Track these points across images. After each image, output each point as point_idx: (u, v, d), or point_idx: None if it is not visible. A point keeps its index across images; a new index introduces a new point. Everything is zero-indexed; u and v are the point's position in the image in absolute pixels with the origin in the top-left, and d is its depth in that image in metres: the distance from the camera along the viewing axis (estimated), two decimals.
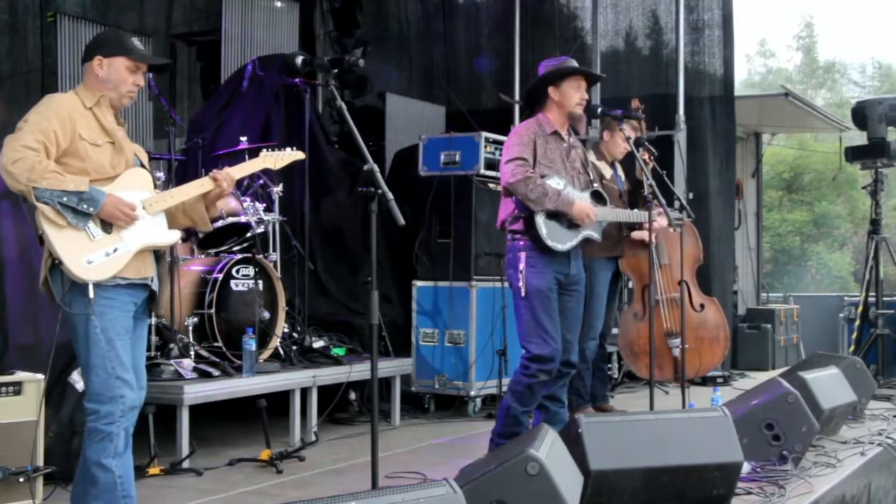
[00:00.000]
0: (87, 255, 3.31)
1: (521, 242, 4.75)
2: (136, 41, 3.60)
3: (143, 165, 3.63)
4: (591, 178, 5.04)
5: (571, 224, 4.76)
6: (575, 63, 4.92)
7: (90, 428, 3.36)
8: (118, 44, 3.54)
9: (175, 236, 3.66)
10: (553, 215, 4.71)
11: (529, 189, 4.65)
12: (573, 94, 4.84)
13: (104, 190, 3.38)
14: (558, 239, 4.73)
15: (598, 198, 4.92)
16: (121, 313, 3.41)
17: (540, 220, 4.68)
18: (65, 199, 3.27)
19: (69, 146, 3.37)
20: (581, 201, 4.79)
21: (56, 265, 3.32)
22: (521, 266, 4.71)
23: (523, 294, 4.71)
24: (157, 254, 3.63)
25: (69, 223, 3.29)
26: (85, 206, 3.31)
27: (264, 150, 3.96)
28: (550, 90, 4.83)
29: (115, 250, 3.38)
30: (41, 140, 3.29)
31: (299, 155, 4.02)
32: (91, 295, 3.30)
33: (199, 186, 3.64)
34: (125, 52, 3.52)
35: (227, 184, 3.64)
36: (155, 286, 3.58)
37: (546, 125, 4.85)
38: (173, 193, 3.62)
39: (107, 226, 3.38)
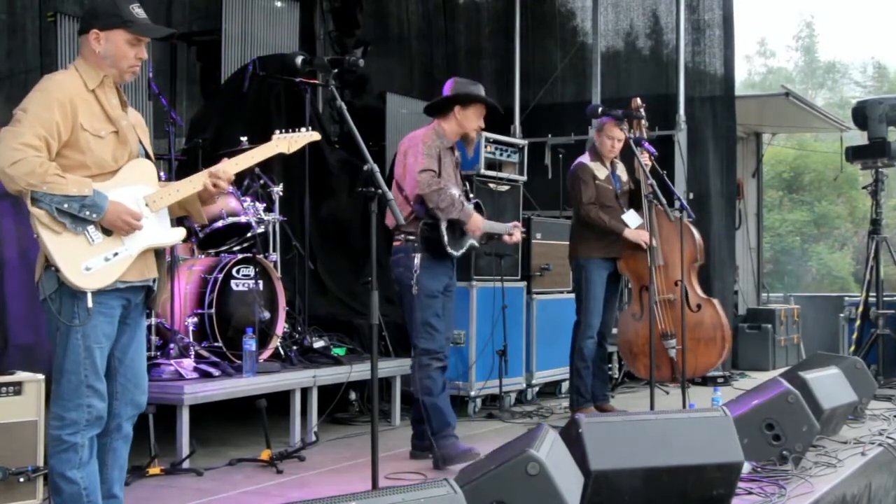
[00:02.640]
0: (85, 260, 3.14)
1: (417, 244, 5.05)
2: (136, 8, 3.30)
3: (147, 154, 3.41)
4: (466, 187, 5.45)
5: (462, 233, 5.15)
6: (482, 91, 5.27)
7: (53, 436, 3.22)
8: (116, 14, 3.24)
9: (179, 235, 3.50)
10: (450, 225, 5.06)
11: (441, 199, 5.00)
12: (474, 120, 5.23)
13: (107, 186, 3.20)
14: (454, 246, 5.12)
15: (479, 209, 5.35)
16: (105, 319, 3.23)
17: (444, 228, 5.03)
18: (65, 205, 3.08)
19: (70, 137, 3.15)
20: (476, 214, 5.21)
21: (51, 267, 3.15)
22: (416, 267, 5.02)
23: (415, 292, 5.02)
24: (158, 251, 3.44)
25: (67, 228, 3.11)
26: (87, 213, 3.12)
27: (277, 132, 3.67)
28: (457, 109, 5.17)
29: (116, 254, 3.20)
30: (43, 136, 3.07)
31: (315, 136, 3.72)
32: (89, 304, 3.14)
33: (196, 183, 3.42)
34: (124, 25, 3.24)
35: (225, 182, 3.43)
36: (155, 286, 3.41)
37: (445, 138, 5.18)
38: (178, 188, 3.41)
39: (107, 228, 3.21)
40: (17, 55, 6.75)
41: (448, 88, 5.24)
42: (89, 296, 3.15)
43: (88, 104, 3.23)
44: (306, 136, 3.67)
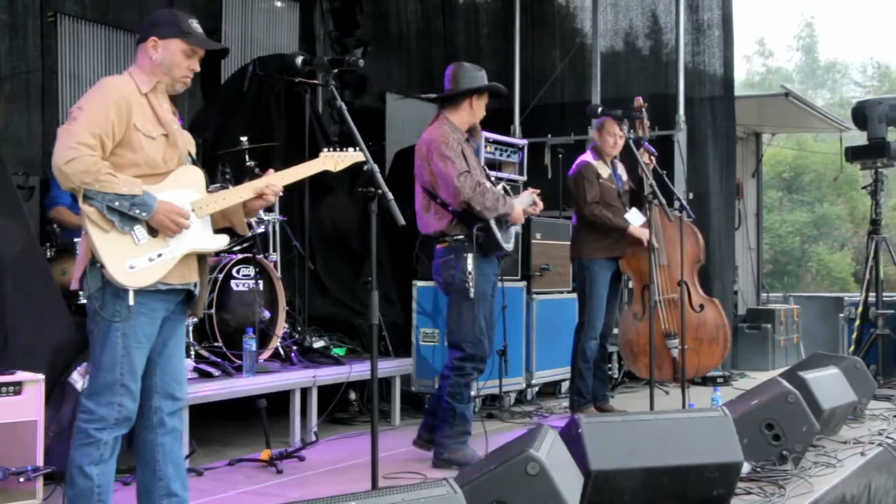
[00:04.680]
0: (130, 259, 3.20)
1: (466, 244, 4.94)
2: (193, 23, 3.44)
3: (193, 161, 3.51)
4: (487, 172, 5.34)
5: (506, 225, 5.05)
6: (486, 76, 5.19)
7: (80, 428, 3.26)
8: (175, 25, 3.39)
9: (223, 241, 3.52)
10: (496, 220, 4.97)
11: (486, 198, 4.90)
12: (483, 108, 5.17)
13: (156, 188, 3.28)
14: (506, 240, 5.05)
15: (506, 192, 5.22)
16: (147, 320, 3.29)
17: (495, 227, 4.94)
18: (116, 203, 3.16)
19: (123, 137, 3.24)
20: (516, 203, 5.12)
21: (96, 264, 3.21)
22: (470, 268, 4.90)
23: (471, 295, 4.89)
24: (200, 257, 3.49)
25: (115, 227, 3.18)
26: (137, 212, 3.19)
27: (325, 150, 3.70)
28: (474, 98, 5.09)
29: (160, 255, 3.26)
30: (98, 135, 3.16)
31: (360, 156, 3.73)
32: (131, 302, 3.20)
33: (243, 193, 3.50)
34: (182, 35, 3.37)
35: (272, 196, 3.52)
36: (196, 290, 3.46)
37: (458, 131, 5.06)
38: (225, 196, 3.47)
39: (153, 229, 3.26)
40: (17, 55, 6.75)
41: (454, 77, 5.09)
42: (131, 294, 3.21)
43: (141, 106, 3.32)
44: (353, 156, 3.71)
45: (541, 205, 5.43)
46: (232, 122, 7.28)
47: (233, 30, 8.20)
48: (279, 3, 8.88)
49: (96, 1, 7.35)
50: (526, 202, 5.33)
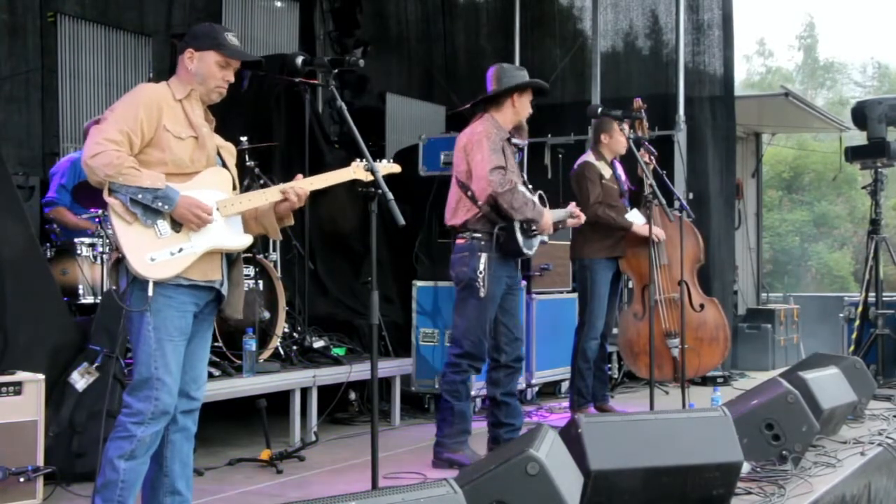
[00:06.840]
0: (150, 252, 3.28)
1: (483, 243, 4.92)
2: (230, 36, 3.56)
3: (224, 165, 3.56)
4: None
5: (532, 230, 5.00)
6: (528, 75, 5.18)
7: (119, 420, 3.35)
8: (211, 38, 3.51)
9: (247, 241, 3.57)
10: (520, 224, 4.93)
11: (515, 198, 4.86)
12: (528, 106, 5.15)
13: (182, 186, 3.35)
14: (528, 246, 5.00)
15: (542, 201, 5.19)
16: (177, 313, 3.36)
17: (517, 229, 4.90)
18: (139, 196, 3.25)
19: (153, 137, 3.35)
20: (547, 212, 5.08)
21: (121, 259, 3.30)
22: (482, 268, 4.88)
23: (481, 295, 4.87)
24: (231, 256, 3.55)
25: (138, 219, 3.27)
26: (159, 204, 3.28)
27: (356, 160, 3.67)
28: (515, 97, 5.07)
29: (181, 250, 3.33)
30: (125, 132, 3.28)
31: (395, 168, 3.80)
32: (150, 293, 3.27)
33: (270, 195, 3.54)
34: (217, 48, 3.49)
35: (296, 198, 3.54)
36: (224, 290, 3.50)
37: (503, 130, 5.05)
38: (250, 197, 3.53)
39: (176, 225, 3.33)
40: (17, 55, 6.75)
41: (497, 78, 5.09)
42: (150, 284, 3.27)
43: (173, 109, 3.44)
44: (387, 167, 3.73)
45: (582, 217, 5.51)
46: (231, 122, 7.26)
47: (233, 30, 8.19)
48: (279, 3, 8.88)
49: (96, 1, 7.35)
50: (562, 215, 5.35)
